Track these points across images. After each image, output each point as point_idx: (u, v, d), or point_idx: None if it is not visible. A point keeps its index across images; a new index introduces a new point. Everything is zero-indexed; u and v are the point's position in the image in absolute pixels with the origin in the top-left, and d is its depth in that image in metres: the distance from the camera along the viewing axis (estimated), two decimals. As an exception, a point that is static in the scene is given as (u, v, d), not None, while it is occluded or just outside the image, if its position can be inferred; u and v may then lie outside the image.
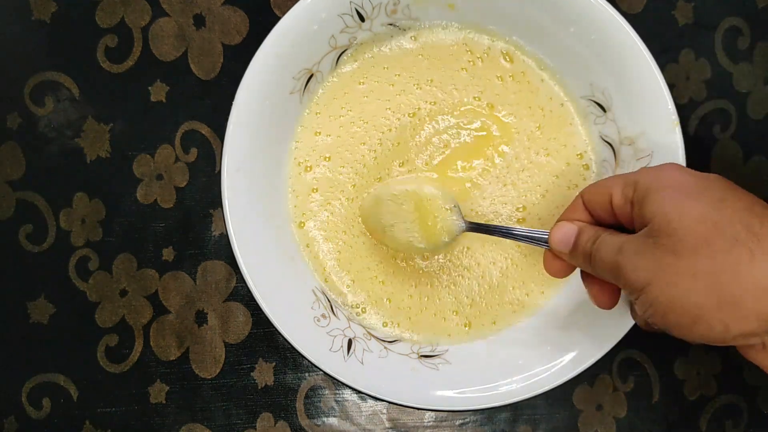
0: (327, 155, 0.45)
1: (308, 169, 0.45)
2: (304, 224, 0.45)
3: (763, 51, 0.47)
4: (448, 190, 0.43)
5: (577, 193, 0.38)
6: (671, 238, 0.31)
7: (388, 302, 0.44)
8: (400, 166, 0.45)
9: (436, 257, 0.45)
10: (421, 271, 0.45)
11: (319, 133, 0.45)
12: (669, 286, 0.31)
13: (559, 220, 0.38)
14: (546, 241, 0.38)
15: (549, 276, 0.44)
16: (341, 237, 0.45)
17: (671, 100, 0.40)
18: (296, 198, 0.45)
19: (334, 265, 0.45)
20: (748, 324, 0.30)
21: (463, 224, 0.42)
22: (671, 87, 0.40)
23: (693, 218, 0.31)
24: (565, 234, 0.37)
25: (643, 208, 0.33)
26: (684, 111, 0.47)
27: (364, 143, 0.45)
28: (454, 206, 0.42)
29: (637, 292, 0.32)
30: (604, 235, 0.35)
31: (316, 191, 0.45)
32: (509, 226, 0.41)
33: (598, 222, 0.37)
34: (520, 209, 0.45)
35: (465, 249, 0.45)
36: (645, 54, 0.40)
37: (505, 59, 0.45)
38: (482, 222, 0.44)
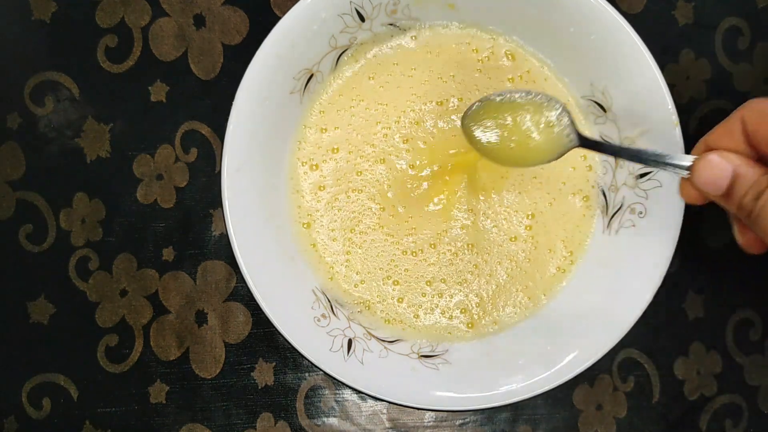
0: (335, 147, 0.45)
1: (314, 167, 0.45)
2: (311, 225, 0.45)
3: (763, 51, 0.47)
4: (559, 98, 0.39)
5: (735, 111, 0.30)
6: None
7: (398, 302, 0.44)
8: (404, 142, 0.45)
9: (444, 252, 0.45)
10: (434, 266, 0.45)
11: (326, 129, 0.45)
12: None
13: (706, 144, 0.31)
14: (685, 169, 0.31)
15: (549, 279, 0.44)
16: (349, 236, 0.45)
17: (671, 100, 0.40)
18: (301, 198, 0.45)
19: (342, 266, 0.45)
20: None
21: (576, 139, 0.36)
22: (671, 87, 0.40)
23: None
24: (715, 175, 0.29)
25: None
26: (684, 111, 0.47)
27: (378, 122, 0.45)
28: (561, 111, 0.37)
29: None
30: None
31: (323, 189, 0.45)
32: (636, 147, 0.35)
33: (759, 155, 0.30)
34: (529, 216, 0.45)
35: (470, 246, 0.45)
36: (645, 54, 0.40)
37: (507, 58, 0.45)
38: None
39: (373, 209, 0.45)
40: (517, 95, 0.38)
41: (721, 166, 0.29)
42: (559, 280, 0.45)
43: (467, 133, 0.39)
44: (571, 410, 0.46)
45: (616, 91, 0.42)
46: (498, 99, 0.38)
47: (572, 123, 0.36)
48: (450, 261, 0.45)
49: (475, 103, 0.39)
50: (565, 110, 0.36)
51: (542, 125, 0.37)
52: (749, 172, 0.29)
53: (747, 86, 0.47)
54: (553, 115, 0.37)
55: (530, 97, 0.37)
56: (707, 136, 0.31)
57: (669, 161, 0.32)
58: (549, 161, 0.38)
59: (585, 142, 0.35)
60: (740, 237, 0.32)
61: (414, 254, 0.45)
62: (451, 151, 0.44)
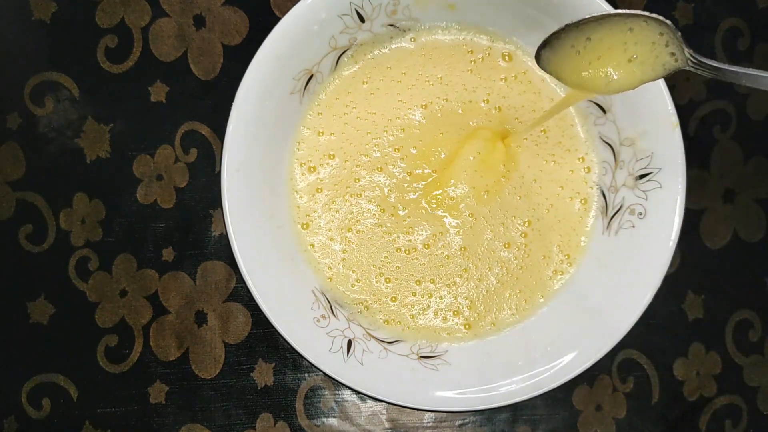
0: (331, 153, 0.45)
1: (312, 169, 0.45)
2: (309, 225, 0.45)
3: (764, 52, 0.47)
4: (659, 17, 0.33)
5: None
6: None
7: (391, 301, 0.44)
8: (395, 151, 0.45)
9: (437, 254, 0.45)
10: (424, 266, 0.45)
11: (322, 132, 0.45)
12: None
13: None
14: None
15: (546, 282, 0.44)
16: (346, 236, 0.45)
17: (671, 100, 0.40)
18: (300, 198, 0.45)
19: (339, 264, 0.45)
20: None
21: (685, 61, 0.32)
22: (671, 88, 0.40)
23: None
24: None
25: None
26: (684, 112, 0.47)
27: (369, 132, 0.45)
28: (661, 33, 0.33)
29: None
30: None
31: (321, 191, 0.45)
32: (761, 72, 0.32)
33: None
34: (526, 223, 0.45)
35: (463, 249, 0.45)
36: (645, 55, 0.40)
37: (504, 59, 0.45)
38: None
39: (373, 211, 0.45)
40: (603, 17, 0.34)
41: None
42: (557, 282, 0.45)
43: (545, 63, 0.36)
44: (570, 411, 0.46)
45: (615, 92, 0.42)
46: (582, 21, 0.34)
47: (679, 41, 0.32)
48: (441, 263, 0.45)
49: (556, 30, 0.35)
50: (670, 28, 0.32)
51: (638, 46, 0.33)
52: None
53: (747, 87, 0.47)
54: (651, 35, 0.33)
55: (620, 16, 0.33)
56: None
57: None
58: (646, 82, 0.34)
59: (697, 66, 0.32)
60: None
61: (407, 252, 0.45)
62: (443, 155, 0.45)
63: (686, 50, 0.32)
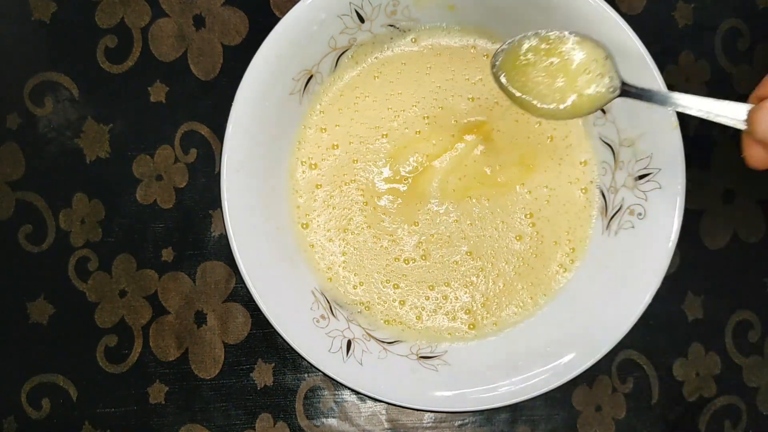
0: (335, 143, 0.45)
1: (313, 166, 0.45)
2: (308, 225, 0.45)
3: (763, 52, 0.47)
4: (601, 45, 0.35)
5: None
6: None
7: (399, 304, 0.44)
8: (416, 131, 0.44)
9: (443, 261, 0.45)
10: (430, 274, 0.45)
11: (326, 129, 0.45)
12: None
13: (758, 98, 0.29)
14: (743, 121, 0.29)
15: (551, 278, 0.44)
16: (347, 237, 0.45)
17: (671, 101, 0.40)
18: (299, 198, 0.45)
19: (339, 266, 0.45)
20: None
21: (618, 86, 0.33)
22: (671, 88, 0.40)
23: None
24: None
25: None
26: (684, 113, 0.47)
27: (382, 117, 0.45)
28: (606, 57, 0.33)
29: None
30: None
31: (320, 187, 0.45)
32: (689, 96, 0.33)
33: None
34: (528, 215, 0.45)
35: (469, 254, 0.45)
36: (645, 55, 0.40)
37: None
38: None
39: (367, 230, 0.45)
40: (551, 34, 0.34)
41: None
42: (560, 280, 0.45)
43: (497, 78, 0.36)
44: (570, 411, 0.46)
45: (615, 93, 0.42)
46: (527, 40, 0.35)
47: (616, 70, 0.33)
48: (453, 267, 0.45)
49: (504, 44, 0.36)
50: (610, 55, 0.33)
51: (577, 71, 0.34)
52: None
53: (747, 88, 0.47)
54: (591, 58, 0.33)
55: (561, 36, 0.34)
56: (757, 89, 0.29)
57: (721, 113, 0.30)
58: (587, 113, 0.35)
59: (629, 92, 0.32)
60: (751, 156, 0.30)
61: (406, 262, 0.45)
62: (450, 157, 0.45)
63: (621, 78, 0.33)
